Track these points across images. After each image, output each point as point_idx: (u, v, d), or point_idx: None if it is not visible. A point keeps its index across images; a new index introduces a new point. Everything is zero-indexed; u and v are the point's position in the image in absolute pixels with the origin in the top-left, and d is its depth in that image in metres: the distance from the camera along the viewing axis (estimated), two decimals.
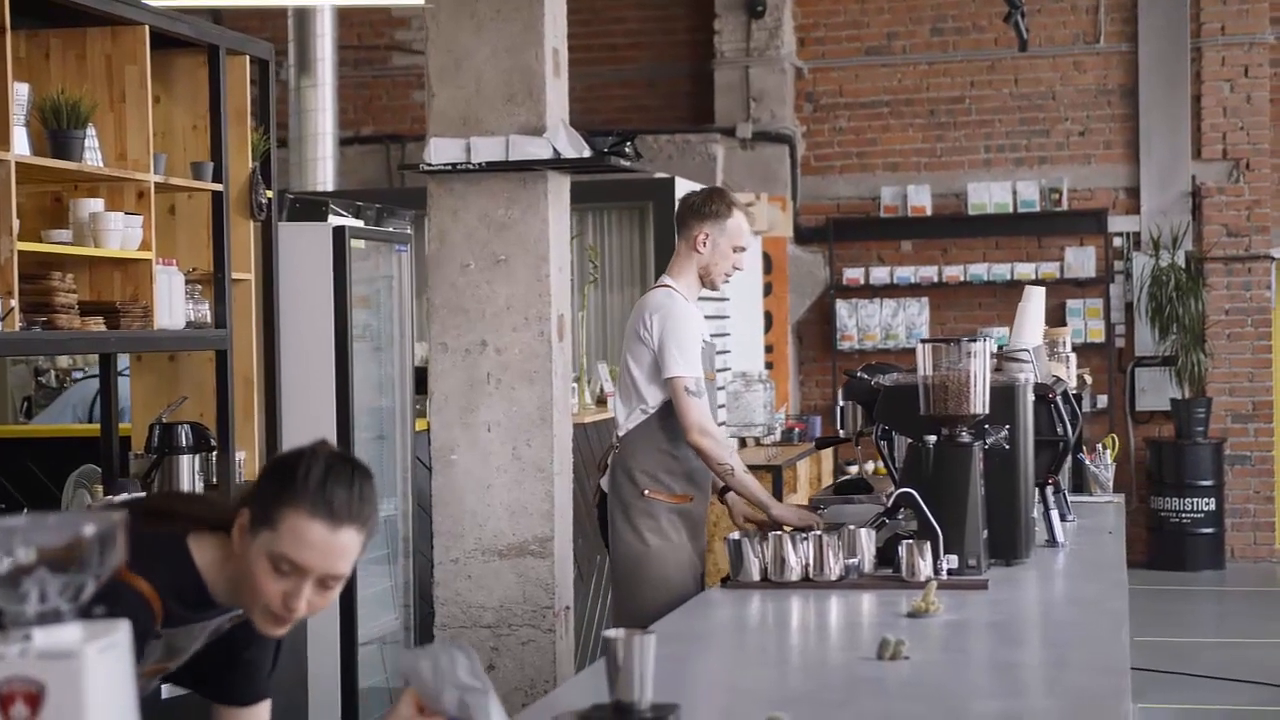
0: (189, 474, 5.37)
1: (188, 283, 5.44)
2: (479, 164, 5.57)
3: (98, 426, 5.71)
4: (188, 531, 2.66)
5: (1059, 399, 5.02)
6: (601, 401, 8.11)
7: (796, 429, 11.16)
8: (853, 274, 12.85)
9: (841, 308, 12.85)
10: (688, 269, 5.26)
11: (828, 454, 11.32)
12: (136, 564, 2.49)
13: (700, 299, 9.32)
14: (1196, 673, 8.74)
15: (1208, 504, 12.14)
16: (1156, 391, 12.49)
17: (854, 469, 11.68)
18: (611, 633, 2.73)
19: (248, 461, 5.80)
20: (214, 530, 2.65)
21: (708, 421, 5.04)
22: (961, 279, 12.67)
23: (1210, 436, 12.27)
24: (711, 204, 5.25)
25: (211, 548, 2.64)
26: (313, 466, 2.55)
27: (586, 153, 5.61)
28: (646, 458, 5.16)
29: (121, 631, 1.79)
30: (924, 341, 4.43)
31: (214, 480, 5.56)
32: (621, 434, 5.23)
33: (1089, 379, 9.74)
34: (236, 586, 2.62)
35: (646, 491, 5.13)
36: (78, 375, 8.83)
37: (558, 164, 5.60)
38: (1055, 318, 12.27)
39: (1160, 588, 11.58)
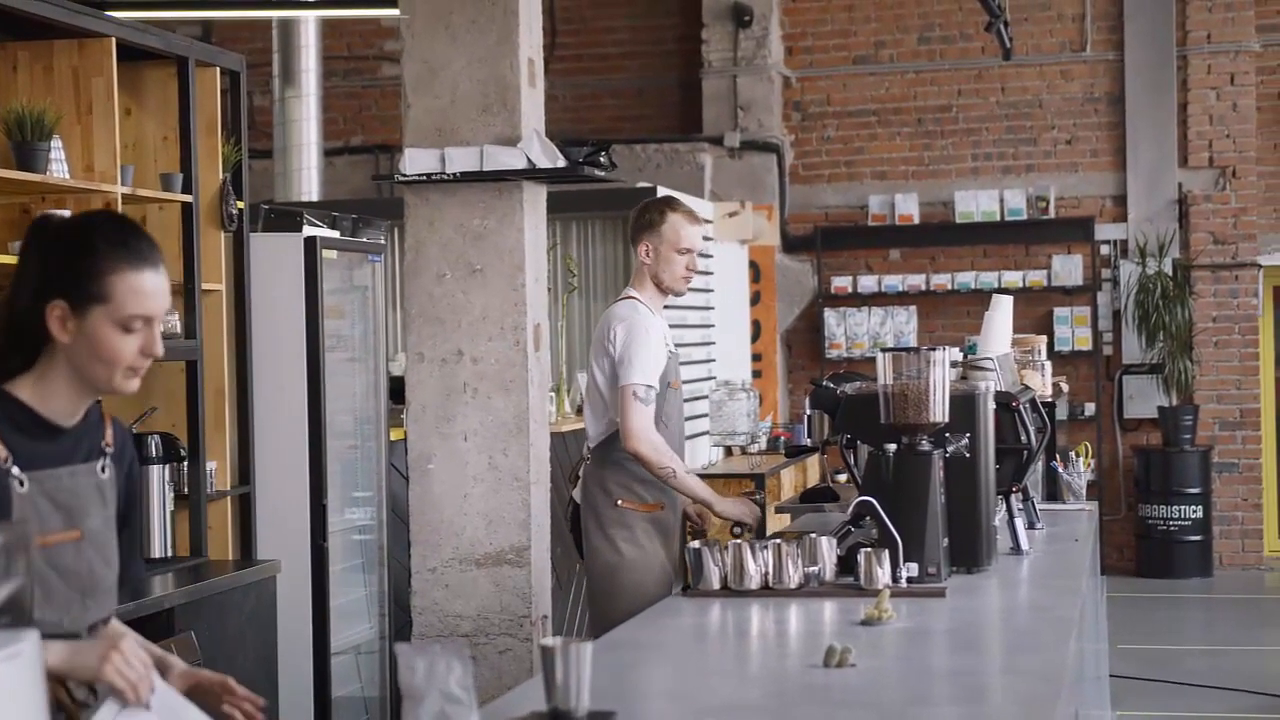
0: (159, 484, 5.38)
1: None
2: (454, 174, 5.59)
3: None
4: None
5: (1024, 407, 5.03)
6: (580, 410, 8.12)
7: (783, 438, 11.17)
8: (841, 283, 12.87)
9: (830, 316, 12.87)
10: (643, 280, 5.39)
11: (814, 462, 11.33)
12: None
13: (683, 307, 9.37)
14: (1180, 680, 8.75)
15: (1195, 511, 12.15)
16: (1144, 399, 12.50)
17: (843, 478, 11.69)
18: (548, 641, 2.75)
19: (219, 472, 5.82)
20: (17, 374, 2.70)
21: (647, 429, 5.13)
22: (949, 287, 12.70)
23: (1198, 444, 12.27)
24: (646, 214, 5.39)
25: (24, 383, 2.70)
26: (100, 235, 2.68)
27: (561, 163, 5.63)
28: (618, 468, 5.25)
29: (28, 641, 1.81)
30: (884, 350, 4.45)
31: (185, 491, 5.57)
32: (592, 445, 5.32)
33: (1065, 387, 9.74)
34: (79, 381, 2.69)
35: (620, 502, 5.23)
36: None
37: (532, 174, 5.62)
38: (1042, 325, 12.30)
39: (1147, 595, 11.59)
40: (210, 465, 5.71)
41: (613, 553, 5.18)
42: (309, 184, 10.44)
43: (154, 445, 5.39)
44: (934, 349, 4.41)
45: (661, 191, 10.13)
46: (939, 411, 4.37)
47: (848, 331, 12.86)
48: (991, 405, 4.66)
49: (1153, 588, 11.86)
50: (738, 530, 5.38)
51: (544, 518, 5.78)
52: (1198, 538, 12.18)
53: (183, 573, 5.34)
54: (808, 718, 2.94)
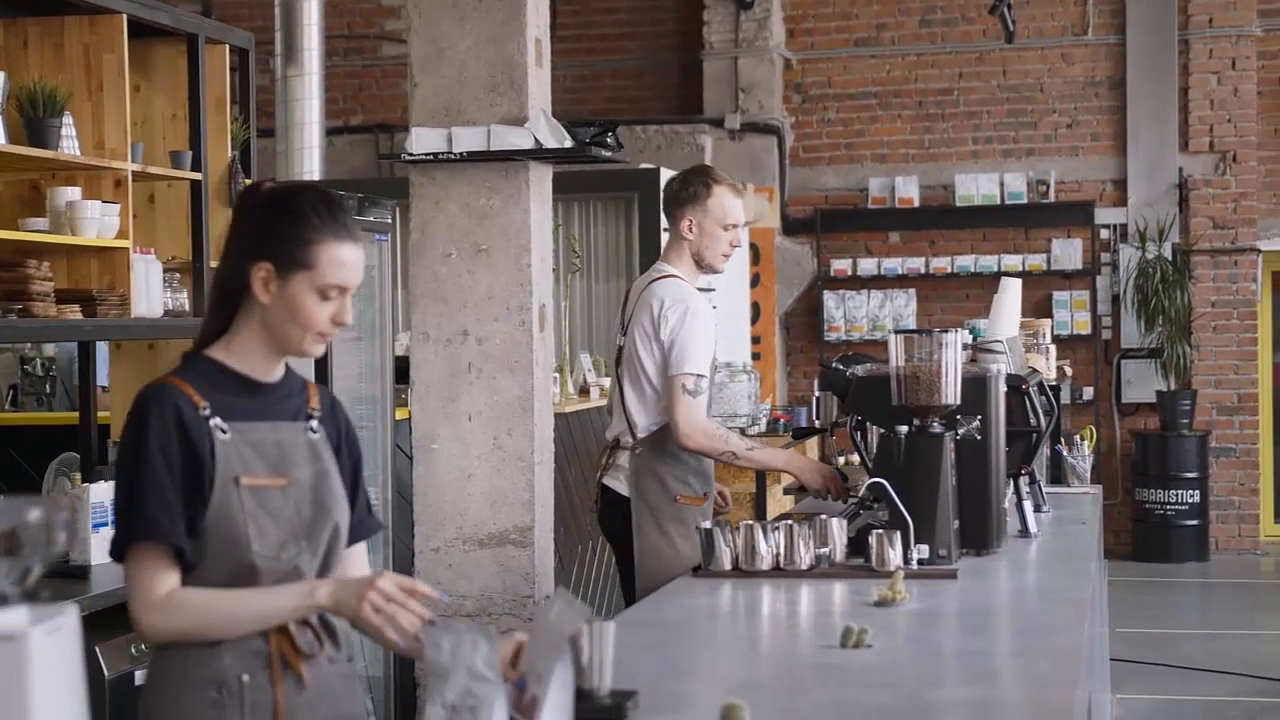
0: None
1: (167, 271, 5.46)
2: (460, 153, 5.57)
3: (76, 415, 5.71)
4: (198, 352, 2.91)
5: (1033, 390, 5.03)
6: (584, 391, 8.13)
7: (783, 420, 11.19)
8: (840, 265, 12.88)
9: (829, 299, 12.88)
10: (682, 255, 5.17)
11: (813, 444, 11.35)
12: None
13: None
14: (1178, 664, 8.77)
15: (1192, 496, 12.17)
16: (1142, 383, 12.52)
17: (842, 460, 11.70)
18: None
19: None
20: (214, 339, 2.87)
21: (698, 422, 4.92)
22: (949, 270, 12.70)
23: (1195, 429, 12.30)
24: (689, 186, 5.15)
25: (219, 346, 2.86)
26: (311, 207, 2.82)
27: (568, 143, 5.61)
28: (675, 460, 5.04)
29: (68, 615, 1.81)
30: (897, 332, 4.44)
31: None
32: (641, 434, 5.07)
33: (1069, 371, 9.75)
34: (272, 339, 2.84)
35: (678, 498, 5.03)
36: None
37: (539, 154, 5.61)
38: (1042, 309, 12.31)
39: (1144, 579, 11.62)
40: None
41: (670, 549, 4.96)
42: (310, 163, 10.35)
43: None
44: (946, 331, 4.41)
45: (666, 173, 10.13)
46: (951, 394, 4.37)
47: (847, 314, 12.87)
48: (1003, 388, 4.66)
49: (1150, 572, 11.88)
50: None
51: (548, 498, 5.78)
52: (1195, 522, 12.21)
53: None
54: (828, 698, 2.95)
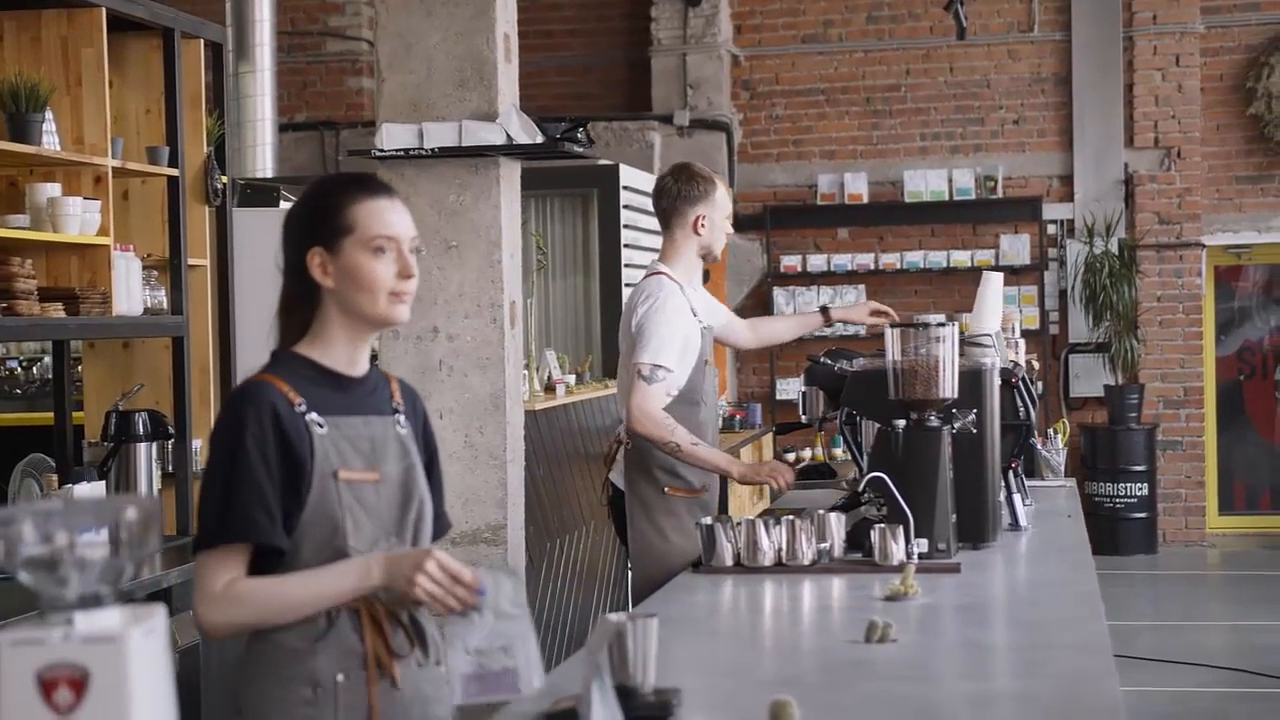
0: (146, 462, 5.31)
1: (144, 269, 5.38)
2: (431, 149, 5.53)
3: (50, 415, 5.62)
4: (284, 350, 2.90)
5: (1021, 383, 5.06)
6: (550, 389, 8.10)
7: (737, 416, 11.21)
8: (790, 261, 12.90)
9: (779, 295, 12.89)
10: (686, 254, 5.17)
11: (768, 440, 11.38)
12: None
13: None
14: (1134, 655, 8.83)
15: (1140, 489, 12.27)
16: (1090, 378, 12.62)
17: (791, 456, 11.73)
18: (614, 616, 2.73)
19: (204, 449, 5.74)
20: (297, 340, 2.86)
21: (647, 408, 4.93)
22: (898, 266, 12.74)
23: (1143, 422, 12.40)
24: (695, 185, 5.15)
25: (303, 343, 2.85)
26: (336, 181, 2.89)
27: (539, 139, 5.59)
28: (663, 454, 5.04)
29: (159, 616, 1.78)
30: (893, 326, 4.45)
31: (170, 469, 5.50)
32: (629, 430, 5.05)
33: (1037, 364, 9.83)
34: (352, 320, 2.82)
35: (667, 489, 5.06)
36: (12, 364, 8.73)
37: (510, 150, 5.57)
38: None
39: (1094, 572, 11.69)
40: (196, 442, 5.63)
41: (662, 540, 5.01)
42: (264, 160, 10.29)
43: (141, 423, 5.31)
44: (943, 324, 4.42)
45: (626, 171, 10.12)
46: (948, 387, 4.38)
47: (797, 310, 12.87)
48: (997, 381, 4.68)
49: (1099, 565, 11.81)
50: None
51: (519, 496, 5.76)
52: (1142, 515, 12.31)
53: (170, 552, 5.27)
54: (869, 692, 2.93)
